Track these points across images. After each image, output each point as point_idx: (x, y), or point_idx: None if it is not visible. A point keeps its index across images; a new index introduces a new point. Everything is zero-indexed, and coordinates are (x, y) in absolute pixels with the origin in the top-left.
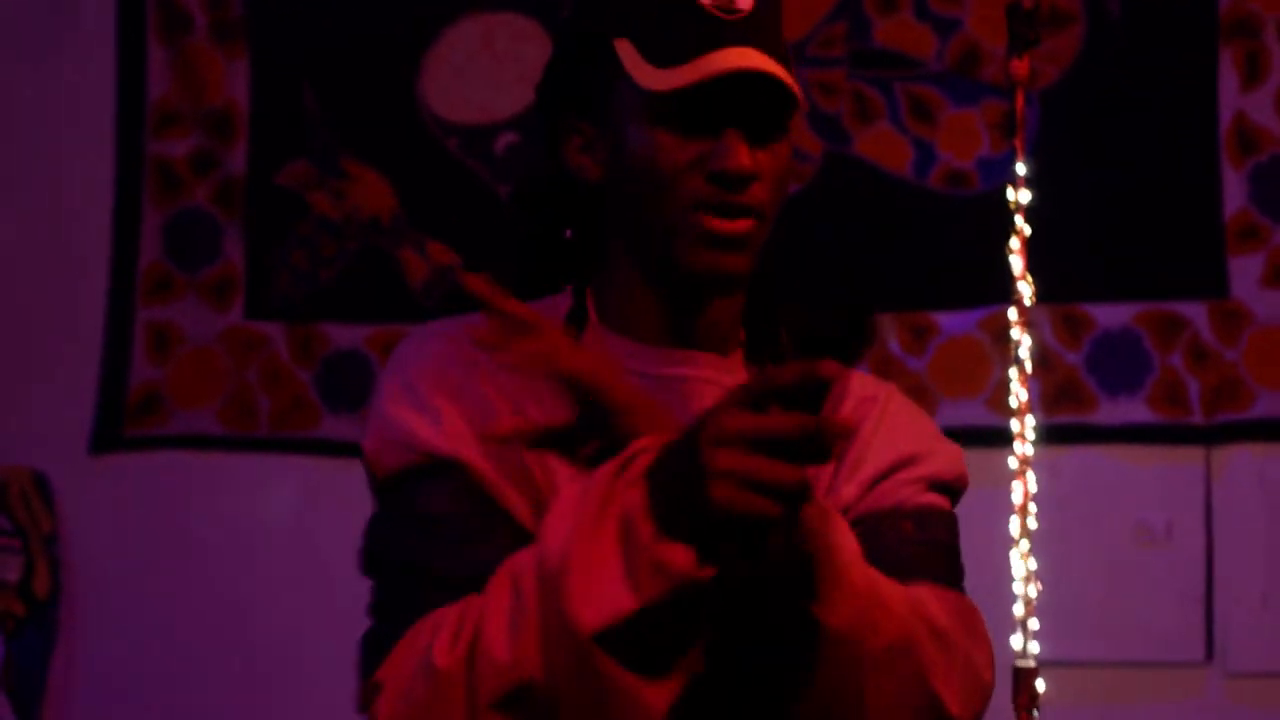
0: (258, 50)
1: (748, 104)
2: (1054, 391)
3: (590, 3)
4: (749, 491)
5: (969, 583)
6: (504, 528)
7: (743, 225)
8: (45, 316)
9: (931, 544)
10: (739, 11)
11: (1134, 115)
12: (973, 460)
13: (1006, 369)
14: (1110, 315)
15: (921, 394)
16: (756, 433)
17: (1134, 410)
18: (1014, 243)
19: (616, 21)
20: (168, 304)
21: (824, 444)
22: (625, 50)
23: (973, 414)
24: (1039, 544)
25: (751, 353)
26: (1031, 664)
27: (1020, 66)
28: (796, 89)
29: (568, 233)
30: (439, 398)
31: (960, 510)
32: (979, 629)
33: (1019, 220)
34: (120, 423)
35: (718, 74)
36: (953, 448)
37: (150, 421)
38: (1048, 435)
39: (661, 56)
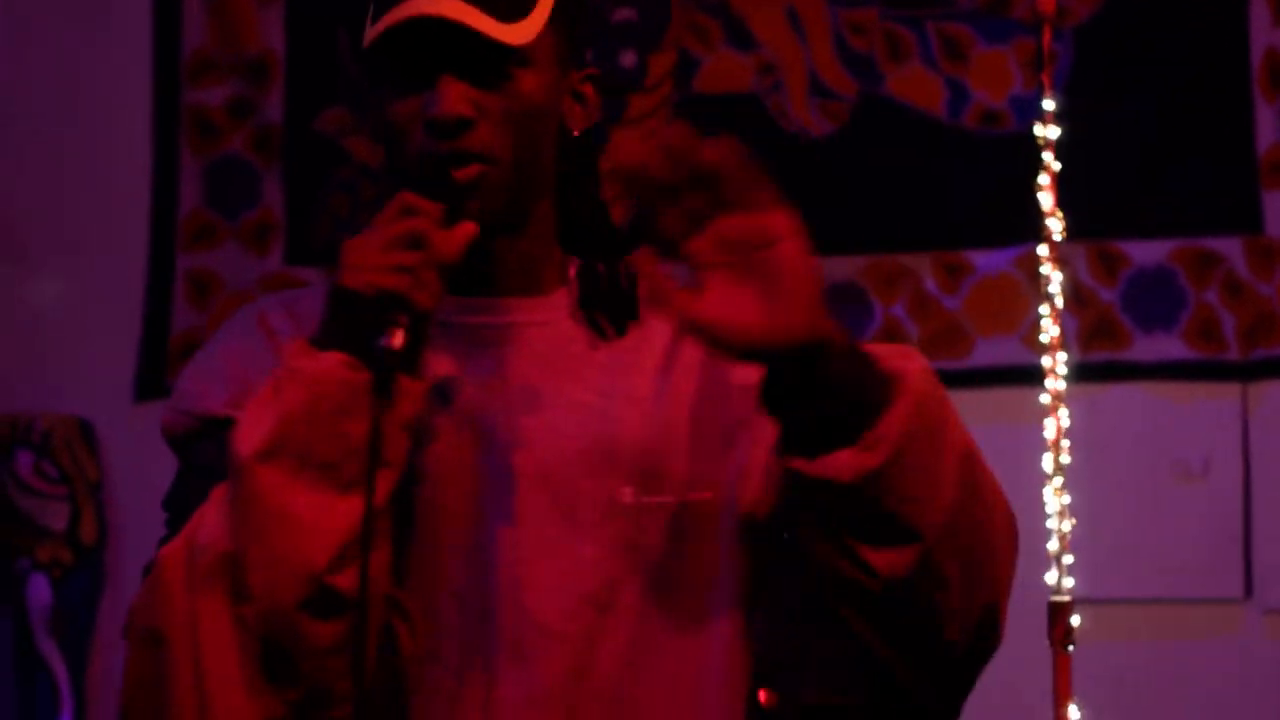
0: None
1: (458, 51)
2: (1089, 328)
3: None
4: (374, 272)
5: None
6: None
7: (466, 173)
8: (87, 267)
9: None
10: None
11: (1166, 51)
12: (1009, 397)
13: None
14: (1145, 252)
15: (957, 332)
16: (380, 235)
17: (1169, 346)
18: (1043, 179)
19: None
20: (208, 251)
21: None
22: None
23: (1009, 352)
24: (1075, 481)
25: (583, 285)
26: (1066, 599)
27: (1046, 3)
28: (495, 31)
29: None
30: (230, 366)
31: (995, 446)
32: None
33: (1048, 157)
34: (163, 370)
35: (393, 22)
36: None
37: None
38: (1083, 372)
39: (374, 19)
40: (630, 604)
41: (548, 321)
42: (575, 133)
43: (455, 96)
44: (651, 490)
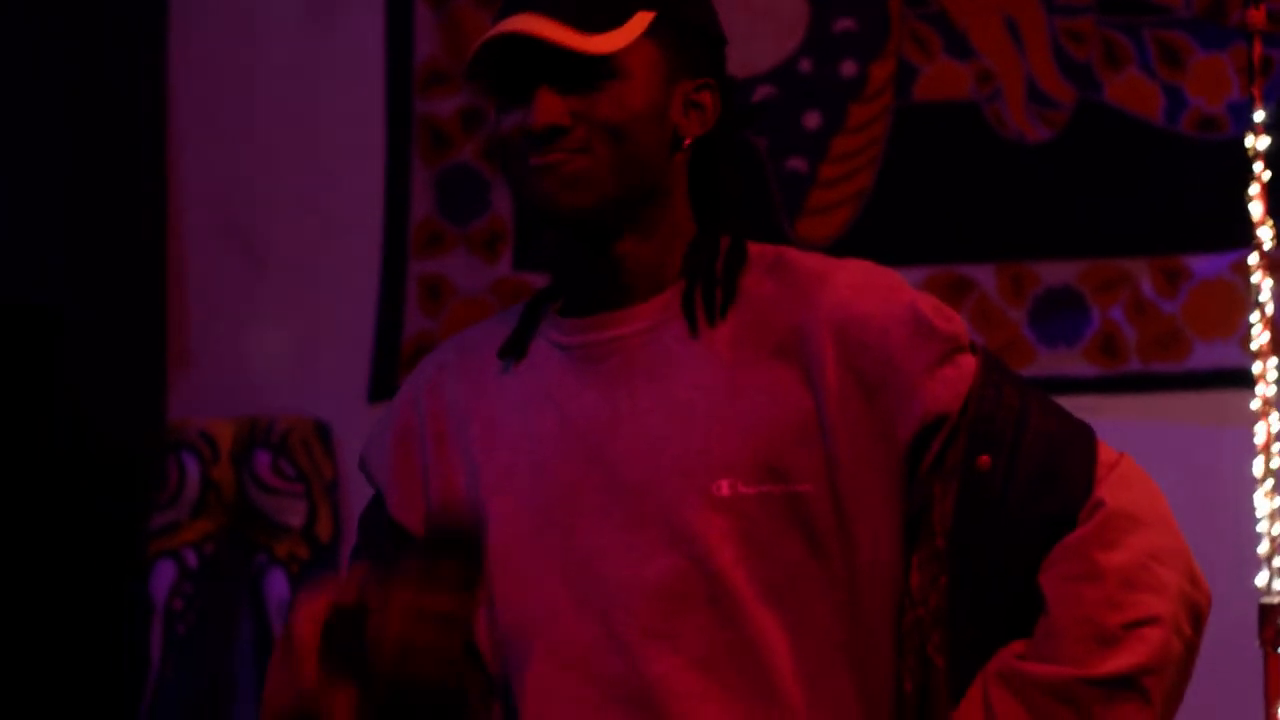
0: None
1: (551, 63)
2: None
3: None
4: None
5: (1214, 523)
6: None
7: (554, 157)
8: (324, 274)
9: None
10: None
11: None
12: (1228, 400)
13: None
14: None
15: (1176, 336)
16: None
17: None
18: (1254, 189)
19: None
20: (439, 257)
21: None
22: None
23: (1227, 356)
24: None
25: (687, 277)
26: (1276, 600)
27: (1257, 16)
28: (576, 42)
29: None
30: (392, 437)
31: (1211, 449)
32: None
33: (1258, 167)
34: (395, 373)
35: (485, 40)
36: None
37: None
38: None
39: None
40: (743, 592)
41: (652, 325)
42: (686, 141)
43: (548, 106)
44: (752, 481)
